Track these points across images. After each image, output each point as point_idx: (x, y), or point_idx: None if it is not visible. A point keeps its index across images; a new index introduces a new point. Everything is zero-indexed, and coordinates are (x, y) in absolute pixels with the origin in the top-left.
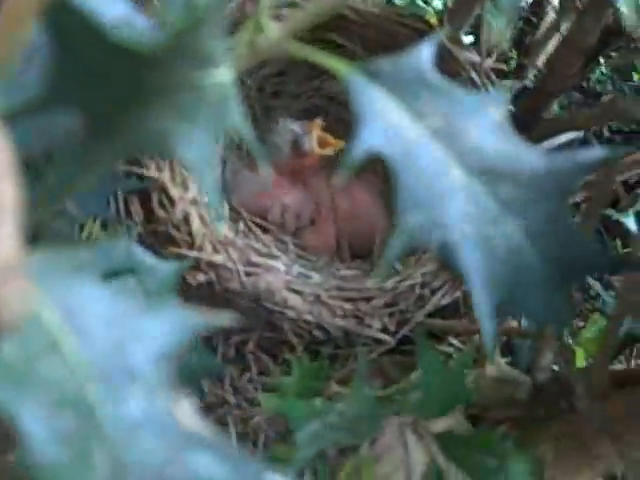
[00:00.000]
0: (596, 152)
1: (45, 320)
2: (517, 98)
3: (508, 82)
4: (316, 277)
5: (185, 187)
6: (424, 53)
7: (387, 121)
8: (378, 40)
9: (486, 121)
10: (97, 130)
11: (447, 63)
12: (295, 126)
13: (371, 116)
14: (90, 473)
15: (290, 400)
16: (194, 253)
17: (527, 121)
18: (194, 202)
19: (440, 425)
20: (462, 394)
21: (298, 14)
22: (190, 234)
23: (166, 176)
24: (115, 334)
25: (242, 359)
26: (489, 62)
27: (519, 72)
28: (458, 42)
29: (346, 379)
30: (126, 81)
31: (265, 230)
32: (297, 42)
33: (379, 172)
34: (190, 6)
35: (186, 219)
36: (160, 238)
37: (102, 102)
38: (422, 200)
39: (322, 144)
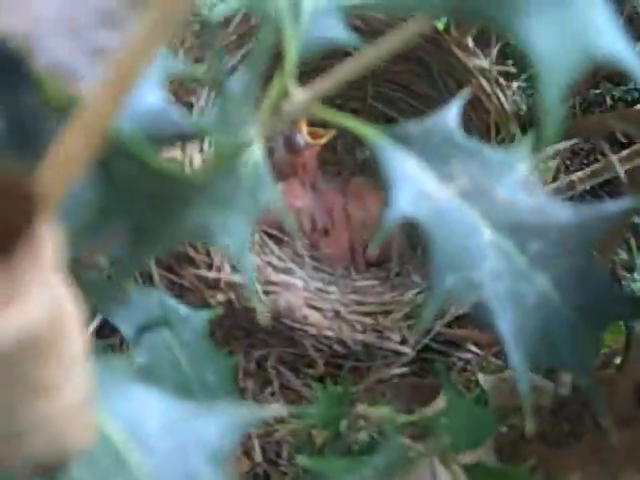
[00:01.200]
0: (622, 204)
1: (111, 436)
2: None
3: (515, 84)
4: (334, 291)
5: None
6: (451, 114)
7: (417, 186)
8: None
9: (513, 178)
10: (143, 237)
11: (456, 71)
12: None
13: (401, 182)
14: None
15: (326, 460)
16: (213, 273)
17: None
18: None
19: (468, 457)
20: (489, 428)
21: (326, 79)
22: (208, 254)
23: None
24: (174, 441)
25: (264, 374)
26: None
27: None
28: (466, 49)
29: (369, 394)
30: (166, 195)
31: (279, 241)
32: (324, 106)
33: None
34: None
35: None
36: (178, 259)
37: (145, 215)
38: (456, 261)
39: (313, 135)
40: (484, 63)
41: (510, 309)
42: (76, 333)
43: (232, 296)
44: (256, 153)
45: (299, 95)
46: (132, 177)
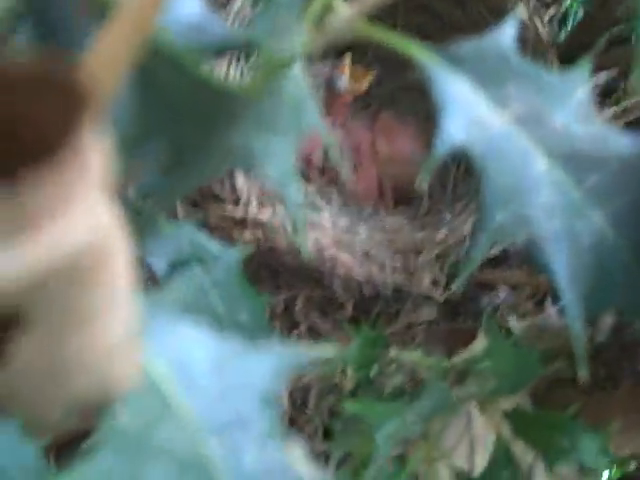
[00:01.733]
0: None
1: (156, 378)
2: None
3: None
4: (363, 230)
5: None
6: (506, 34)
7: (470, 112)
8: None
9: (571, 104)
10: (185, 155)
11: (529, 43)
12: (325, 67)
13: (453, 106)
14: None
15: (371, 405)
16: (240, 211)
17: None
18: None
19: (507, 403)
20: (534, 371)
21: None
22: (234, 190)
23: None
24: (222, 382)
25: (291, 316)
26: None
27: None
28: (541, 18)
29: (399, 338)
30: (212, 112)
31: (307, 179)
32: (369, 23)
33: (420, 115)
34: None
35: (230, 173)
36: (203, 195)
37: (188, 131)
38: (508, 196)
39: (355, 78)
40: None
41: (563, 247)
42: (122, 263)
43: (259, 235)
44: (298, 71)
45: (344, 10)
46: (176, 86)
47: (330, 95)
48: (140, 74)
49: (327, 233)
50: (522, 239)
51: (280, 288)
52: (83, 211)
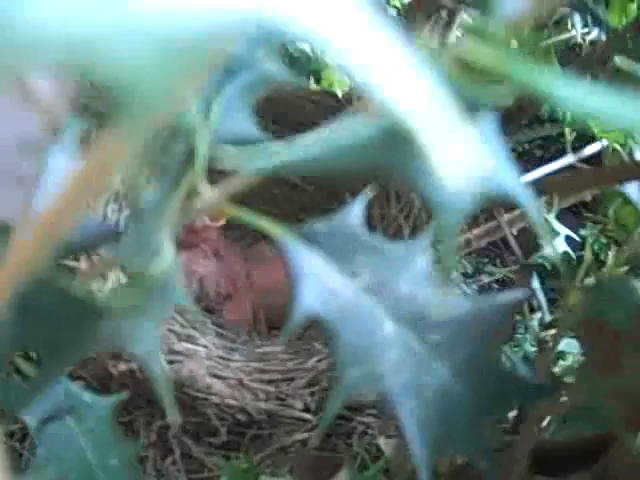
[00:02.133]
0: (514, 294)
1: None
2: None
3: None
4: (237, 359)
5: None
6: (355, 212)
7: (323, 282)
8: (290, 115)
9: (414, 271)
10: (52, 356)
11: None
12: None
13: (307, 279)
14: None
15: None
16: None
17: None
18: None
19: None
20: None
21: (235, 179)
22: None
23: (83, 265)
24: None
25: (165, 443)
26: None
27: None
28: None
29: (272, 462)
30: (79, 317)
31: (182, 309)
32: (233, 204)
33: None
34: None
35: None
36: None
37: (58, 336)
38: (359, 355)
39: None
40: None
41: (411, 400)
42: None
43: (134, 365)
44: (167, 257)
45: (209, 194)
46: (43, 302)
47: (190, 232)
48: (25, 301)
49: (202, 363)
50: (374, 393)
51: (154, 416)
52: None
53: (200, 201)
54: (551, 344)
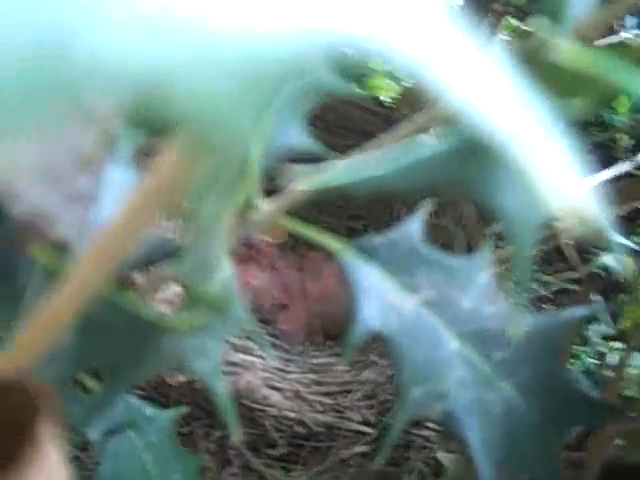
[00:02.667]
0: (578, 311)
1: None
2: None
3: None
4: (294, 370)
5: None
6: (414, 226)
7: (383, 298)
8: (336, 121)
9: (475, 286)
10: (118, 374)
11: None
12: None
13: (368, 295)
14: None
15: None
16: None
17: None
18: (170, 302)
19: None
20: None
21: (293, 192)
22: None
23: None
24: None
25: (223, 454)
26: None
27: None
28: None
29: (333, 472)
30: (143, 334)
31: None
32: (290, 218)
33: None
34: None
35: None
36: None
37: (122, 356)
38: (422, 373)
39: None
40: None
41: (476, 418)
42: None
43: (192, 377)
44: (225, 272)
45: (264, 207)
46: (106, 321)
47: (249, 248)
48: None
49: (258, 375)
50: (437, 412)
51: (213, 427)
52: None
53: (256, 214)
54: (618, 359)
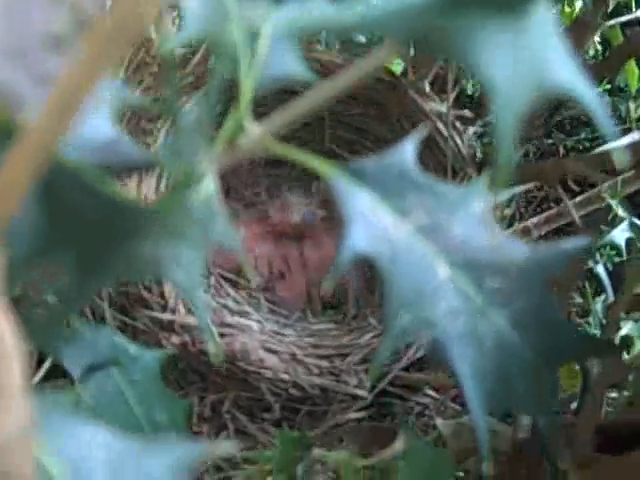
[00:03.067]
0: (577, 241)
1: (53, 474)
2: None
3: (472, 129)
4: (290, 334)
5: None
6: (407, 150)
7: (373, 222)
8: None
9: (469, 214)
10: (90, 266)
11: (413, 114)
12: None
13: (357, 217)
14: None
15: None
16: (167, 315)
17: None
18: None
19: None
20: (448, 471)
21: (282, 114)
22: (162, 296)
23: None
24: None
25: (219, 419)
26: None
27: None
28: (423, 93)
29: (326, 438)
30: (117, 224)
31: (235, 285)
32: (279, 141)
33: None
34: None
35: (158, 280)
36: (131, 300)
37: (95, 244)
38: (411, 299)
39: None
40: (441, 107)
41: (467, 348)
42: (15, 365)
43: (187, 338)
44: (209, 186)
45: (254, 130)
46: (79, 202)
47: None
48: (44, 189)
49: (254, 337)
50: (426, 339)
51: (207, 391)
52: None
53: (245, 138)
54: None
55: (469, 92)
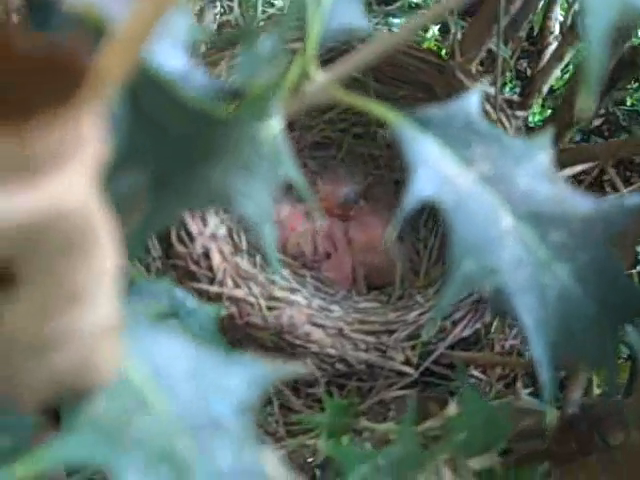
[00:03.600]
0: None
1: (134, 378)
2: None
3: (521, 113)
4: (337, 310)
5: (204, 222)
6: (472, 100)
7: (438, 169)
8: (391, 72)
9: (534, 167)
10: (166, 184)
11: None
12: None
13: (422, 164)
14: None
15: (344, 446)
16: (215, 288)
17: None
18: (213, 237)
19: (479, 463)
20: (504, 430)
21: (346, 61)
22: (211, 269)
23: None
24: (199, 388)
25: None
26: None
27: (525, 103)
28: (470, 75)
29: (372, 412)
30: (195, 139)
31: (284, 264)
32: (344, 89)
33: (392, 206)
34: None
35: (206, 254)
36: (179, 273)
37: (172, 159)
38: (475, 247)
39: None
40: (489, 90)
41: (530, 299)
42: (107, 247)
43: (234, 310)
44: (276, 126)
45: (319, 77)
46: (163, 110)
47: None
48: (130, 95)
49: (301, 311)
50: (489, 289)
51: None
52: (76, 177)
53: (310, 85)
54: None
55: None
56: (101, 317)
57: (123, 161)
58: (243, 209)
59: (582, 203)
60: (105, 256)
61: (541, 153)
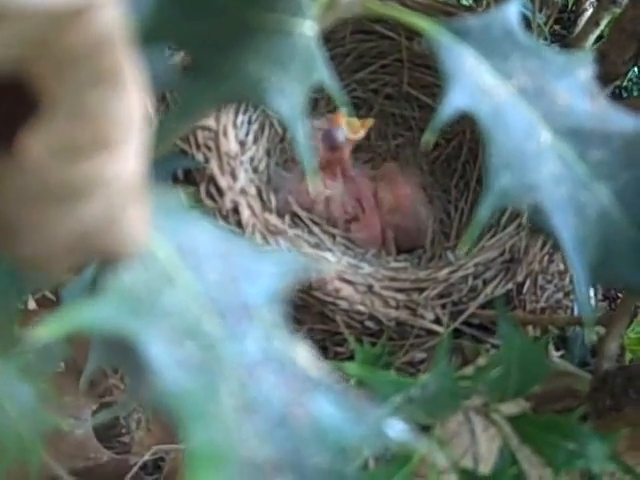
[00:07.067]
0: None
1: (160, 256)
2: None
3: None
4: (367, 268)
5: (234, 177)
6: (511, 11)
7: (476, 80)
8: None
9: (574, 82)
10: (200, 68)
11: None
12: (321, 123)
13: (459, 75)
14: (217, 402)
15: (376, 371)
16: None
17: None
18: (243, 192)
19: (512, 408)
20: (543, 370)
21: None
22: (240, 224)
23: (214, 166)
24: (228, 272)
25: None
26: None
27: None
28: None
29: (402, 372)
30: (228, 20)
31: (312, 222)
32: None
33: (421, 167)
34: None
35: (235, 209)
36: None
37: (204, 41)
38: (512, 160)
39: (352, 129)
40: None
41: (569, 216)
42: (137, 97)
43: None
44: (311, 31)
45: None
46: None
47: (331, 149)
48: None
49: (331, 267)
50: (527, 204)
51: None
52: None
53: None
54: None
55: None
56: (127, 172)
57: (156, 35)
58: (277, 106)
59: (624, 121)
60: (134, 105)
61: (582, 69)
